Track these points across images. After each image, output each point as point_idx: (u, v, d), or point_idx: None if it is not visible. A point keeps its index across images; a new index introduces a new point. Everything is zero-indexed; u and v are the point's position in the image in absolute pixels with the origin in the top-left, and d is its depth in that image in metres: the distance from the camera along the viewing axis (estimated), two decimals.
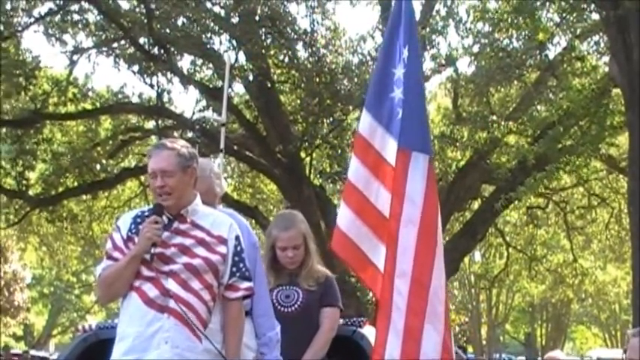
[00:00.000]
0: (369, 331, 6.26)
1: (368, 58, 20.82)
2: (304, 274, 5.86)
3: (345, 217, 5.58)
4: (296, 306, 5.78)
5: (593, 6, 17.16)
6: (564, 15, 19.28)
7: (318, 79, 19.97)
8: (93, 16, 21.03)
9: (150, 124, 23.60)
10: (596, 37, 20.26)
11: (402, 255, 5.23)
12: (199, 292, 4.66)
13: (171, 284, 4.64)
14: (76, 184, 22.88)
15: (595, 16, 18.32)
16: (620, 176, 23.08)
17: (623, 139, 20.05)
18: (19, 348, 43.79)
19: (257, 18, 19.54)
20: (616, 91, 17.66)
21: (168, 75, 21.20)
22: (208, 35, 20.36)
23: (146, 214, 4.84)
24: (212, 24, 20.03)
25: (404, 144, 5.39)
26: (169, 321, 4.60)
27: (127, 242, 4.77)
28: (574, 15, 18.94)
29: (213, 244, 4.77)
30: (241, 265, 4.83)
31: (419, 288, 5.23)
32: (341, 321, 6.10)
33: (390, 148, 5.45)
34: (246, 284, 4.83)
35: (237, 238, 4.86)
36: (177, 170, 4.76)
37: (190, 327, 4.60)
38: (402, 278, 5.20)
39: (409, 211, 5.29)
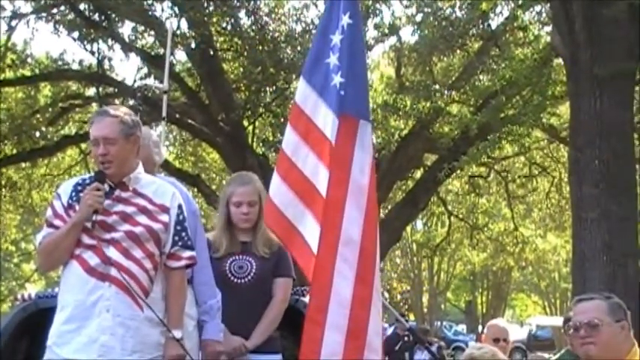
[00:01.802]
0: None
1: (311, 26, 20.70)
2: (258, 237, 5.78)
3: (275, 186, 5.52)
4: (249, 277, 5.73)
5: None
6: None
7: (261, 47, 19.84)
8: None
9: (90, 92, 23.32)
10: (538, 7, 20.34)
11: (349, 223, 5.16)
12: (141, 260, 4.64)
13: (112, 252, 4.60)
14: (14, 151, 22.57)
15: None
16: (561, 146, 23.30)
17: (564, 109, 20.22)
18: None
19: None
20: (557, 61, 17.76)
21: (109, 42, 20.93)
22: (150, 2, 20.11)
23: (87, 181, 4.80)
24: None
25: (349, 111, 5.34)
26: (110, 289, 4.57)
27: (68, 210, 4.72)
28: None
29: (155, 212, 4.74)
30: (183, 234, 4.80)
31: (367, 257, 5.19)
32: None
33: (321, 114, 5.39)
34: (188, 253, 4.80)
35: (179, 206, 4.84)
36: (120, 138, 4.72)
37: (132, 295, 4.57)
38: (348, 246, 5.14)
39: (357, 179, 5.23)
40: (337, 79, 5.35)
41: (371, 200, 5.30)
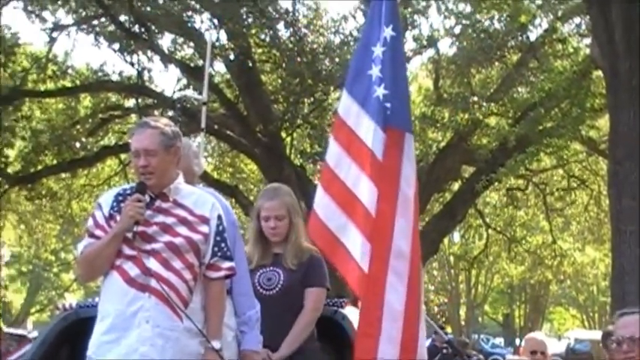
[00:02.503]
0: (350, 312, 6.25)
1: (349, 38, 20.78)
2: (289, 249, 5.79)
3: (319, 199, 5.53)
4: (277, 289, 5.72)
5: None
6: None
7: (299, 59, 19.92)
8: None
9: (130, 103, 23.52)
10: (577, 19, 20.29)
11: (399, 235, 5.17)
12: (181, 271, 4.64)
13: (152, 263, 4.61)
14: (55, 162, 22.78)
15: None
16: (600, 158, 23.17)
17: (602, 122, 20.11)
18: None
19: None
20: (597, 73, 17.68)
21: (149, 53, 21.12)
22: (189, 13, 20.26)
23: (128, 192, 4.81)
24: (193, 2, 19.98)
25: (395, 124, 5.36)
26: (150, 300, 4.58)
27: (109, 220, 4.74)
28: None
29: (195, 223, 4.75)
30: (223, 244, 4.81)
31: (415, 269, 5.22)
32: None
33: (364, 125, 5.40)
34: (227, 264, 4.81)
35: (219, 217, 4.84)
36: (160, 149, 4.73)
37: (171, 306, 4.58)
38: (399, 258, 5.16)
39: (405, 192, 5.25)
40: (380, 91, 5.37)
41: (415, 212, 5.32)
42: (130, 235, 4.64)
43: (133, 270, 4.62)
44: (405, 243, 5.19)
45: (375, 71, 5.43)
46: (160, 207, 4.76)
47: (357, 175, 5.31)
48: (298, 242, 5.82)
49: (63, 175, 24.36)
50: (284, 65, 20.61)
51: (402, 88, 5.53)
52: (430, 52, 22.28)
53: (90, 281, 5.29)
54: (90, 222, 4.84)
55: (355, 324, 5.94)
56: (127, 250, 4.65)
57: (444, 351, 17.85)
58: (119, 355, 4.56)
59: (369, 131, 5.34)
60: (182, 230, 4.71)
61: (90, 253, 4.70)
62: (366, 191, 5.25)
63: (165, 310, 4.58)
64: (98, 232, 4.74)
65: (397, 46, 5.54)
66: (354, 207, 5.27)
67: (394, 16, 5.55)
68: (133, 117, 23.24)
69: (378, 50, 5.46)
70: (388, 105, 5.34)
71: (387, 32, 5.45)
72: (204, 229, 4.76)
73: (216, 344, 4.69)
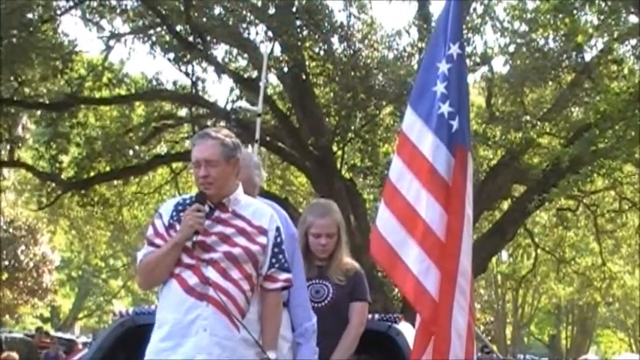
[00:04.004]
0: (404, 328, 6.27)
1: (403, 54, 20.80)
2: (334, 266, 5.84)
3: (380, 214, 5.56)
4: (326, 301, 5.77)
5: (632, 9, 17.06)
6: (602, 17, 19.17)
7: (352, 73, 19.96)
8: (131, 2, 21.19)
9: (183, 112, 23.71)
10: (633, 41, 20.14)
11: (464, 253, 5.23)
12: (238, 281, 4.68)
13: (210, 272, 4.65)
14: (108, 168, 23.01)
15: (634, 19, 18.23)
16: None
17: None
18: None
19: (294, 9, 19.58)
20: None
21: (203, 64, 21.27)
22: (244, 25, 20.40)
23: (188, 202, 4.86)
24: (249, 14, 20.08)
25: (462, 142, 5.39)
26: (208, 309, 4.61)
27: (169, 229, 4.79)
28: (612, 17, 18.82)
29: (253, 234, 4.78)
30: (280, 256, 4.84)
31: (471, 286, 5.28)
32: (377, 316, 6.09)
33: (426, 142, 5.43)
34: (285, 275, 4.84)
35: (277, 229, 4.87)
36: (221, 160, 4.77)
37: (229, 316, 4.62)
38: (464, 276, 5.21)
39: (468, 210, 5.30)
40: (445, 108, 5.39)
41: (470, 229, 5.38)
42: (189, 244, 4.68)
43: (191, 279, 4.66)
44: (467, 261, 5.24)
45: (440, 88, 5.45)
46: (219, 217, 4.79)
47: (418, 190, 5.34)
48: (343, 258, 5.89)
49: (115, 182, 24.60)
50: (337, 79, 20.67)
51: (466, 106, 5.56)
52: (483, 70, 22.24)
53: (149, 289, 5.34)
54: (150, 231, 4.88)
55: (410, 340, 5.97)
56: (186, 259, 4.70)
57: None
58: None
59: (431, 147, 5.37)
60: (240, 241, 4.75)
61: (150, 262, 4.76)
62: (427, 207, 5.27)
63: (222, 320, 4.61)
64: (158, 241, 4.79)
65: (462, 64, 5.58)
66: (415, 222, 5.30)
67: (460, 33, 5.58)
68: (186, 126, 23.44)
69: (443, 67, 5.48)
70: (453, 123, 5.37)
71: (454, 49, 5.48)
72: (262, 240, 4.79)
73: (272, 355, 4.71)
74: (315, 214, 5.93)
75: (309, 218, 5.94)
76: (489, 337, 43.75)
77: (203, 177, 4.76)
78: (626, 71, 20.15)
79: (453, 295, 5.16)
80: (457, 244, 5.23)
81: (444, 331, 5.13)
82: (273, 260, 4.81)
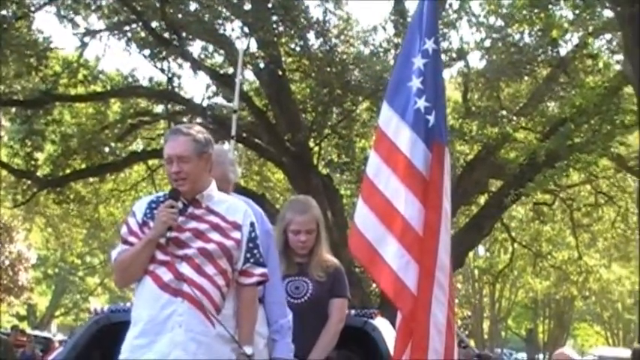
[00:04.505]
0: (380, 323, 6.27)
1: (379, 49, 20.82)
2: (314, 262, 5.85)
3: (358, 210, 5.56)
4: (306, 297, 5.78)
5: (607, 3, 17.11)
6: (577, 12, 19.23)
7: (329, 69, 19.94)
8: None
9: (159, 109, 23.64)
10: (608, 35, 20.22)
11: (442, 248, 5.23)
12: (213, 277, 4.68)
13: (185, 268, 4.65)
14: (83, 166, 22.90)
15: (608, 14, 18.29)
16: (628, 175, 23.08)
17: (632, 138, 20.04)
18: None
19: (269, 5, 19.53)
20: (627, 90, 17.62)
21: (179, 60, 21.20)
22: (220, 21, 20.33)
23: (161, 199, 4.86)
24: (224, 10, 20.01)
25: (439, 137, 5.40)
26: (183, 305, 4.61)
27: (143, 227, 4.78)
28: (587, 12, 18.89)
29: (227, 229, 4.78)
30: (255, 251, 4.84)
31: (451, 281, 5.28)
32: (352, 312, 6.10)
33: (403, 137, 5.43)
34: (260, 270, 4.84)
35: (251, 224, 4.87)
36: (193, 156, 4.78)
37: (204, 311, 4.61)
38: (442, 271, 5.21)
39: (446, 205, 5.31)
40: (421, 103, 5.40)
41: (449, 225, 5.38)
42: (163, 240, 4.68)
43: (166, 275, 4.65)
44: (446, 256, 5.24)
45: (416, 83, 5.46)
46: (192, 213, 4.79)
47: (396, 186, 5.34)
48: (322, 254, 5.89)
49: (91, 179, 24.48)
50: (313, 75, 20.66)
51: (442, 101, 5.57)
52: (460, 65, 22.28)
53: (125, 287, 5.34)
54: (124, 229, 4.88)
55: (386, 336, 5.96)
56: (161, 256, 4.69)
57: None
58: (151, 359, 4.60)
59: (409, 142, 5.37)
60: (215, 236, 4.75)
61: (124, 260, 4.75)
62: (405, 202, 5.27)
63: (198, 315, 4.61)
64: (132, 239, 4.79)
65: (438, 59, 5.60)
66: (393, 218, 5.30)
67: (435, 29, 5.59)
68: (162, 123, 23.37)
69: (418, 62, 5.49)
70: (430, 117, 5.38)
71: (429, 45, 5.49)
72: (236, 235, 4.79)
73: (248, 350, 4.71)
74: (293, 211, 5.92)
75: (287, 215, 5.93)
76: (467, 332, 43.90)
77: (175, 173, 4.77)
78: (601, 65, 20.25)
79: (432, 291, 5.17)
80: (435, 239, 5.23)
81: (423, 327, 5.14)
82: (248, 255, 4.81)
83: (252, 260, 4.81)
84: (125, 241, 4.81)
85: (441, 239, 5.24)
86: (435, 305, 5.17)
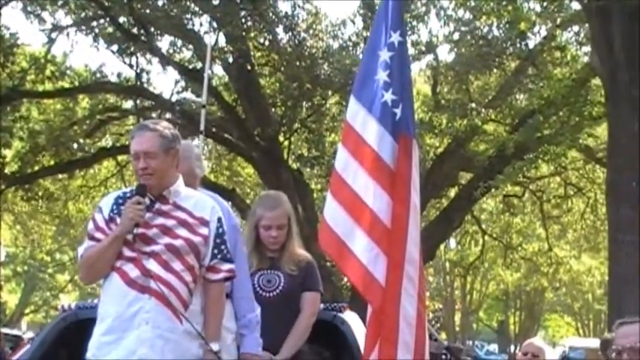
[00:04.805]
0: (349, 317, 6.26)
1: (348, 43, 20.81)
2: (286, 256, 5.84)
3: (327, 204, 5.53)
4: (277, 291, 5.77)
5: None
6: (545, 4, 19.30)
7: (298, 63, 19.93)
8: None
9: (128, 104, 23.53)
10: (576, 27, 20.32)
11: (411, 241, 5.22)
12: (180, 273, 4.66)
13: (152, 265, 4.63)
14: (52, 162, 22.76)
15: (576, 6, 18.37)
16: (597, 166, 23.20)
17: (600, 130, 20.15)
18: None
19: (238, 0, 19.45)
20: (595, 81, 17.71)
21: (148, 55, 21.12)
22: (188, 16, 20.24)
23: (128, 195, 4.83)
24: (192, 5, 19.93)
25: (406, 130, 5.39)
26: (150, 302, 4.59)
27: (109, 223, 4.76)
28: (555, 4, 18.97)
29: (195, 225, 4.77)
30: (223, 247, 4.83)
31: (421, 274, 5.28)
32: (322, 306, 6.10)
33: (371, 130, 5.40)
34: (227, 266, 4.82)
35: (219, 220, 4.86)
36: (160, 151, 4.76)
37: (171, 308, 4.60)
38: (411, 264, 5.20)
39: (414, 198, 5.29)
40: (388, 96, 5.38)
41: (419, 218, 5.37)
42: (130, 237, 4.66)
43: (133, 272, 4.63)
44: (415, 249, 5.23)
45: (383, 76, 5.44)
46: (159, 209, 4.77)
47: (364, 179, 5.32)
48: (294, 249, 5.90)
49: (60, 176, 24.34)
50: (282, 69, 20.64)
51: (409, 94, 5.56)
52: (429, 58, 22.32)
53: (91, 283, 5.30)
54: (90, 225, 4.86)
55: (355, 329, 5.96)
56: (127, 252, 4.67)
57: (443, 357, 17.83)
58: (118, 357, 4.58)
59: (376, 136, 5.35)
60: (182, 232, 4.73)
61: (91, 256, 4.72)
62: (373, 196, 5.26)
63: (165, 312, 4.59)
64: (98, 235, 4.76)
65: (404, 52, 5.58)
66: (362, 212, 5.28)
67: (401, 22, 5.57)
68: (131, 119, 23.25)
69: (384, 55, 5.47)
70: (397, 110, 5.37)
71: (395, 37, 5.47)
72: (203, 231, 4.77)
73: (214, 346, 4.70)
74: (264, 207, 5.91)
75: (258, 211, 5.92)
76: (438, 325, 44.04)
77: (142, 169, 4.75)
78: (569, 58, 20.34)
79: (401, 283, 5.15)
80: (403, 232, 5.22)
81: (392, 320, 5.12)
82: (215, 251, 4.79)
83: (219, 256, 4.80)
84: (92, 237, 4.78)
85: (409, 232, 5.22)
86: (404, 298, 5.15)
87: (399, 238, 5.21)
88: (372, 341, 5.22)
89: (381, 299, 5.18)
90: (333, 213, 5.38)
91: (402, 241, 5.20)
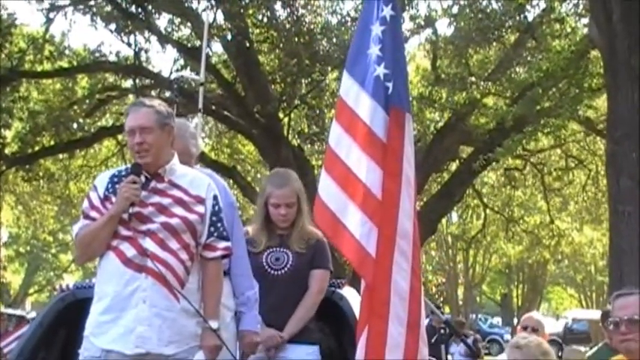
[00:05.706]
0: (348, 292, 6.27)
1: (347, 18, 20.71)
2: (295, 234, 5.85)
3: (322, 181, 5.51)
4: (286, 269, 5.78)
5: None
6: None
7: (296, 39, 19.84)
8: None
9: (127, 83, 23.45)
10: None
11: (404, 215, 5.20)
12: (177, 251, 4.66)
13: (148, 244, 4.63)
14: (52, 142, 22.72)
15: None
16: (598, 138, 23.17)
17: (600, 102, 20.09)
18: None
19: None
20: (594, 53, 17.63)
21: (146, 34, 21.01)
22: None
23: (123, 173, 4.83)
24: None
25: (397, 104, 5.36)
26: (147, 280, 4.60)
27: (104, 202, 4.76)
28: None
29: (191, 203, 4.77)
30: (219, 224, 4.82)
31: (416, 249, 5.25)
32: None
33: (364, 105, 5.38)
34: (224, 244, 4.82)
35: (215, 197, 4.86)
36: (156, 127, 4.76)
37: (168, 286, 4.60)
38: (404, 239, 5.18)
39: (407, 172, 5.27)
40: (380, 70, 5.35)
41: (415, 192, 5.35)
42: (125, 216, 4.66)
43: (129, 251, 4.63)
44: (408, 223, 5.21)
45: (375, 50, 5.41)
46: (155, 188, 4.77)
47: (357, 154, 5.30)
48: (304, 227, 5.89)
49: (60, 156, 24.31)
50: (281, 45, 20.54)
51: (402, 68, 5.53)
52: (428, 32, 22.25)
53: (86, 262, 5.31)
54: (85, 203, 4.86)
55: (353, 304, 5.96)
56: (123, 231, 4.67)
57: (442, 331, 17.89)
58: (116, 335, 4.59)
59: (369, 110, 5.33)
60: (178, 210, 4.73)
61: (86, 235, 4.72)
62: (367, 170, 5.24)
63: (162, 291, 4.60)
64: (93, 214, 4.76)
65: (396, 26, 5.54)
66: (355, 187, 5.26)
67: None
68: (131, 97, 23.15)
69: (377, 29, 5.44)
70: (389, 85, 5.34)
71: (387, 11, 5.44)
72: (200, 209, 4.77)
73: (213, 324, 4.71)
74: (273, 185, 5.91)
75: (267, 189, 5.92)
76: (442, 298, 44.14)
77: (138, 144, 4.74)
78: (568, 29, 20.26)
79: (392, 257, 5.13)
80: (395, 206, 5.20)
81: (384, 293, 5.11)
82: (212, 229, 4.79)
83: (215, 234, 4.80)
84: (87, 216, 4.78)
85: (401, 206, 5.20)
86: (396, 272, 5.13)
87: (390, 211, 5.19)
88: (365, 315, 5.22)
89: (373, 274, 5.17)
90: (327, 189, 5.36)
91: (393, 215, 5.18)
